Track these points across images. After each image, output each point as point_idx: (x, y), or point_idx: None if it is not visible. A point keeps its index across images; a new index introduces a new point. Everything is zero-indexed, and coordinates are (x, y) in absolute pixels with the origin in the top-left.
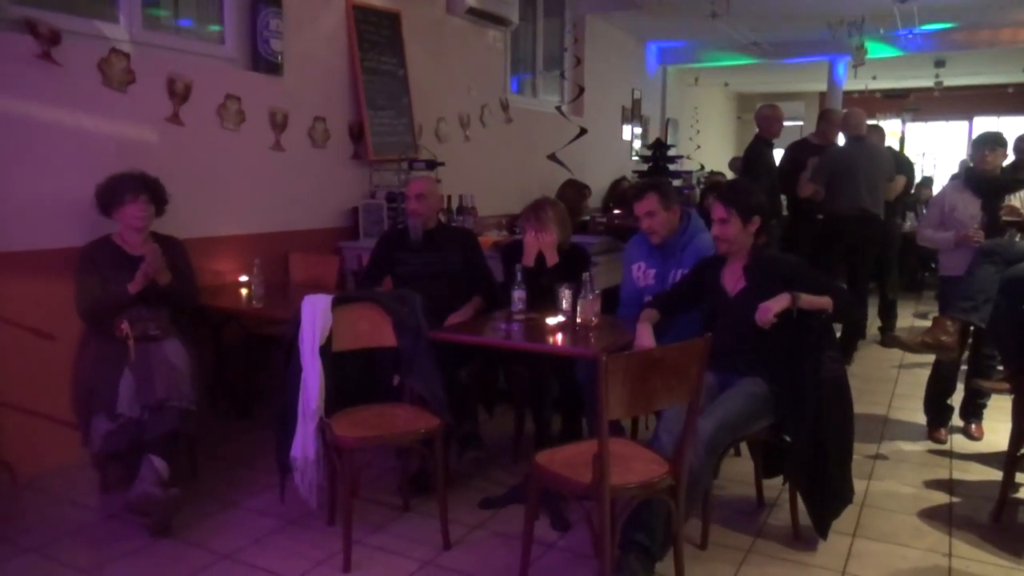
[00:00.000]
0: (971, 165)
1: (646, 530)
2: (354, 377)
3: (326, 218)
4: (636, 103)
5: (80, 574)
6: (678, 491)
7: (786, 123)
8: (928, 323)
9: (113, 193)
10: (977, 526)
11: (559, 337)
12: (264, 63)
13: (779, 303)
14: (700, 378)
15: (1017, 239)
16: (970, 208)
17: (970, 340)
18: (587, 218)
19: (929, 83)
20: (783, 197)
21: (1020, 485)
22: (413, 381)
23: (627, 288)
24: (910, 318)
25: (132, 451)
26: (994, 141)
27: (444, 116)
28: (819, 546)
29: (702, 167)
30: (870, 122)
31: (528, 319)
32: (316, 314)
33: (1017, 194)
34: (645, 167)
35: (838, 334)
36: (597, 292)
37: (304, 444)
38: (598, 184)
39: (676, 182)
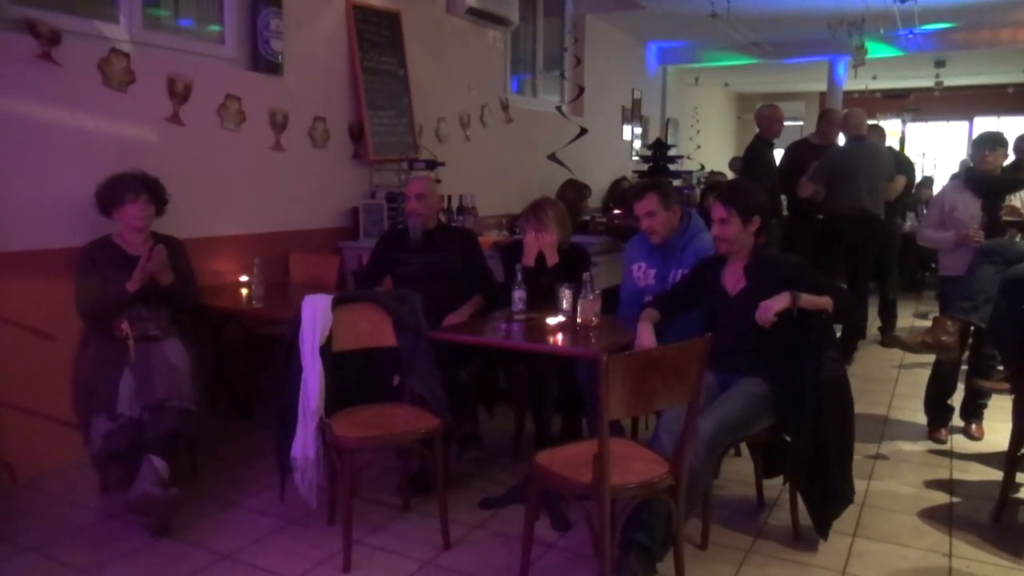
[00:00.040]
0: (971, 165)
1: (646, 530)
2: (354, 377)
3: (326, 218)
4: (636, 103)
5: (80, 574)
6: (678, 491)
7: (786, 123)
8: (928, 323)
9: (113, 193)
10: (977, 526)
11: (559, 337)
12: (264, 63)
13: (779, 302)
14: (700, 378)
15: (1017, 239)
16: (970, 208)
17: (970, 340)
18: (587, 218)
19: (929, 83)
20: (783, 197)
21: (1020, 485)
22: (413, 381)
23: (627, 288)
24: (910, 318)
25: (132, 451)
26: (994, 141)
27: (444, 116)
28: (819, 546)
29: (702, 167)
30: (870, 122)
31: (528, 319)
32: (316, 314)
33: (1017, 194)
34: (645, 167)
35: (838, 334)
36: (597, 292)
37: (304, 444)
38: (598, 184)
39: (676, 182)
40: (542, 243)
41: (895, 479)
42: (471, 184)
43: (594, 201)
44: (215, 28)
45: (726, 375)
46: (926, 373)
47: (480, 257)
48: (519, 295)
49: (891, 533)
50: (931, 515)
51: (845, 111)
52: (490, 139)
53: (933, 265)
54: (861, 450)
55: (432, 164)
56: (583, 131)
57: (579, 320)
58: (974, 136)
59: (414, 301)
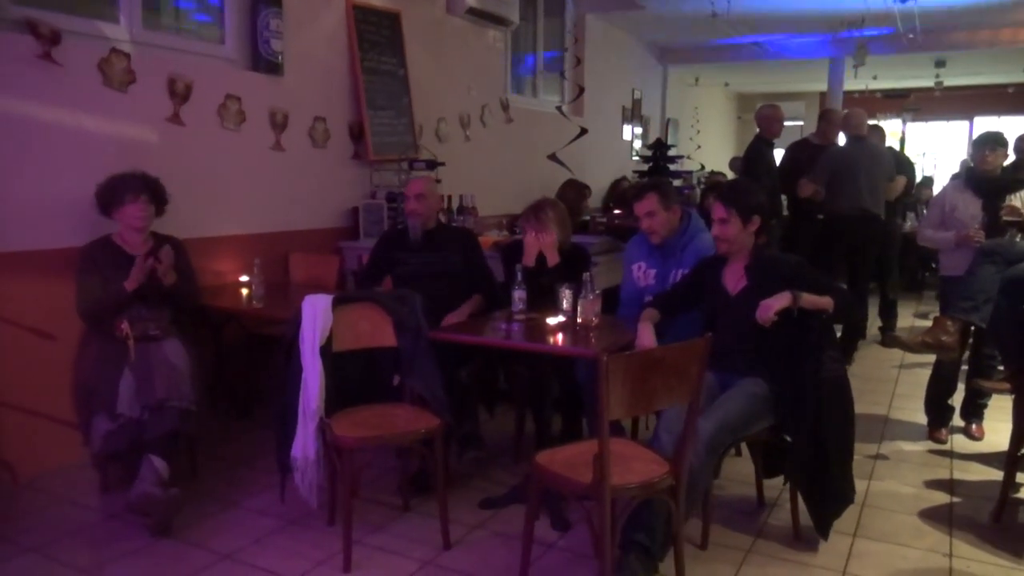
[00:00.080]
0: (972, 165)
1: (646, 530)
2: (354, 377)
3: (326, 218)
4: (636, 103)
5: (80, 574)
6: (678, 491)
7: (786, 123)
8: (928, 323)
9: (113, 193)
10: (978, 526)
11: (559, 337)
12: (264, 63)
13: (780, 301)
14: (700, 378)
15: (1018, 239)
16: (971, 208)
17: (971, 340)
18: (587, 218)
19: (929, 83)
20: (784, 197)
21: (1021, 485)
22: (413, 381)
23: (627, 288)
24: (910, 318)
25: (132, 451)
26: (994, 141)
27: (444, 116)
28: (820, 546)
29: (702, 167)
30: (871, 122)
31: (528, 319)
32: (316, 314)
33: (1018, 194)
34: (645, 167)
35: (838, 334)
36: (597, 292)
37: (304, 444)
38: (598, 184)
39: (676, 182)
40: (542, 243)
41: (895, 479)
42: (471, 184)
43: (594, 201)
44: (215, 28)
45: (726, 375)
46: (926, 373)
47: (480, 257)
48: (519, 295)
49: (891, 533)
50: (931, 515)
51: (845, 111)
52: (490, 139)
53: (933, 265)
54: (861, 450)
55: (432, 164)
56: (583, 131)
57: (579, 320)
58: (974, 136)
59: (414, 301)
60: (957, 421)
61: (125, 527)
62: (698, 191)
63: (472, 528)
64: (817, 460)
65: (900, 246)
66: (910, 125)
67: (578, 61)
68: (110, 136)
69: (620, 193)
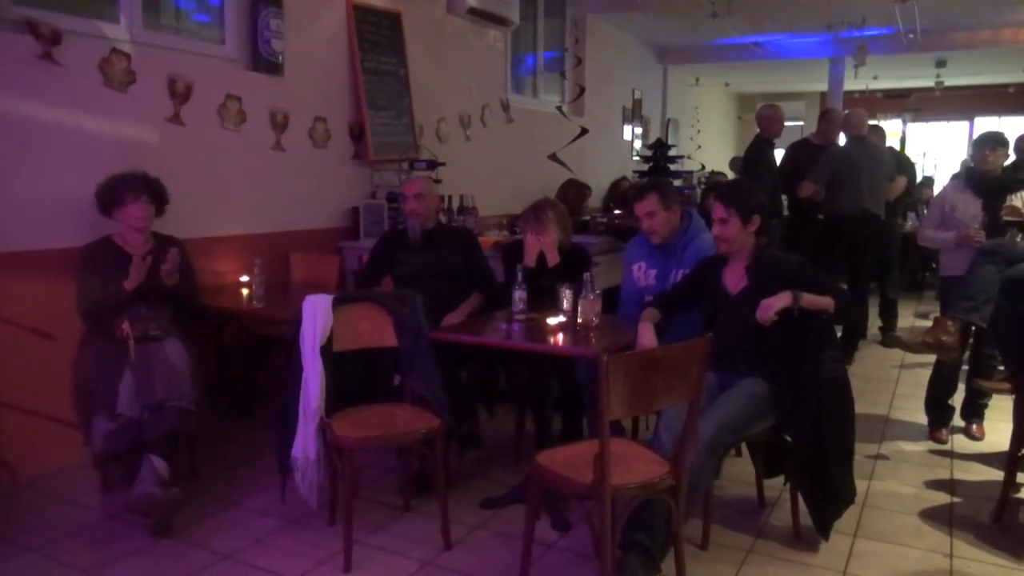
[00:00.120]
0: (972, 165)
1: (647, 530)
2: (355, 377)
3: (326, 218)
4: (636, 103)
5: (80, 574)
6: (679, 491)
7: (787, 123)
8: (929, 323)
9: (114, 193)
10: (978, 526)
11: (560, 337)
12: (264, 63)
13: (780, 301)
14: (701, 378)
15: (1018, 239)
16: (971, 208)
17: (971, 340)
18: (587, 218)
19: (930, 83)
20: (784, 197)
21: (1021, 485)
22: (414, 381)
23: (628, 288)
24: (911, 318)
25: (132, 451)
26: (995, 141)
27: (445, 116)
28: (820, 546)
29: (703, 167)
30: (871, 122)
31: (529, 319)
32: (317, 314)
33: (1018, 194)
34: (646, 167)
35: (839, 334)
36: (598, 292)
37: (305, 444)
38: (599, 184)
39: (677, 182)
40: (543, 243)
41: (896, 479)
42: (471, 184)
43: (594, 201)
44: (215, 28)
45: (727, 375)
46: (927, 373)
47: (480, 257)
48: (519, 295)
49: (892, 533)
50: (932, 515)
51: (846, 111)
52: (490, 139)
53: (934, 265)
54: (862, 450)
55: (432, 164)
56: (583, 131)
57: (579, 320)
58: (975, 136)
59: (415, 301)
60: (957, 421)
61: (125, 527)
62: (698, 191)
63: (473, 528)
64: (817, 460)
65: (900, 246)
66: (910, 125)
67: (578, 61)
68: (110, 136)
69: (620, 193)
